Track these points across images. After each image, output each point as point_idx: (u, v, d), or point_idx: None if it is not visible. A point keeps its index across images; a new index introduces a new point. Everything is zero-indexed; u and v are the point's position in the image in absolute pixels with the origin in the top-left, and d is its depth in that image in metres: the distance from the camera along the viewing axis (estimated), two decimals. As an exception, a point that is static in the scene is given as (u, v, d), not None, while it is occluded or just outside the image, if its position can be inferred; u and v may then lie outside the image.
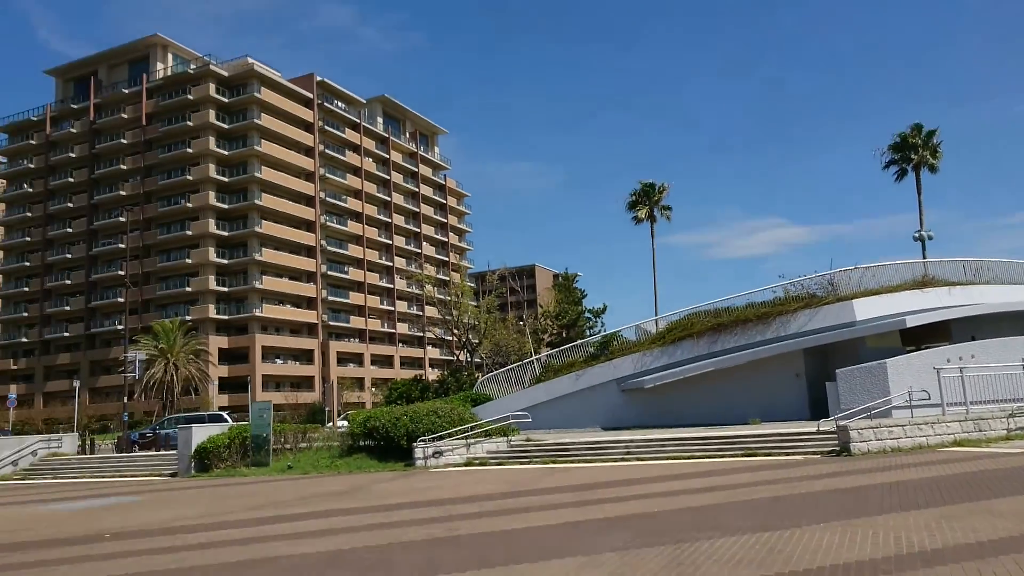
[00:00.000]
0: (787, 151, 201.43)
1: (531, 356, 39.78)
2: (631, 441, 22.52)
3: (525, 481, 17.89)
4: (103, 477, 28.63)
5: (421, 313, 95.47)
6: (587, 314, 70.27)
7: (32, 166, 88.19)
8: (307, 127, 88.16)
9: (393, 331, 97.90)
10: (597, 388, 30.10)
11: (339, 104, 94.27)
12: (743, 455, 19.87)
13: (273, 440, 26.56)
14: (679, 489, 14.69)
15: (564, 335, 65.24)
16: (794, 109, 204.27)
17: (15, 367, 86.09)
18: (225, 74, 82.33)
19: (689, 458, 20.30)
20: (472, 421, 25.08)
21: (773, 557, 8.02)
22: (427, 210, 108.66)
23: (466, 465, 22.86)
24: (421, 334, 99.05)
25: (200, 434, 27.09)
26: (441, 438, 23.71)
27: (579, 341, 38.30)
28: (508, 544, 9.97)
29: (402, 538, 10.77)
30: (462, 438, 23.89)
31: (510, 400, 30.36)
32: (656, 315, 44.44)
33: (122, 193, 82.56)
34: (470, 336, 57.31)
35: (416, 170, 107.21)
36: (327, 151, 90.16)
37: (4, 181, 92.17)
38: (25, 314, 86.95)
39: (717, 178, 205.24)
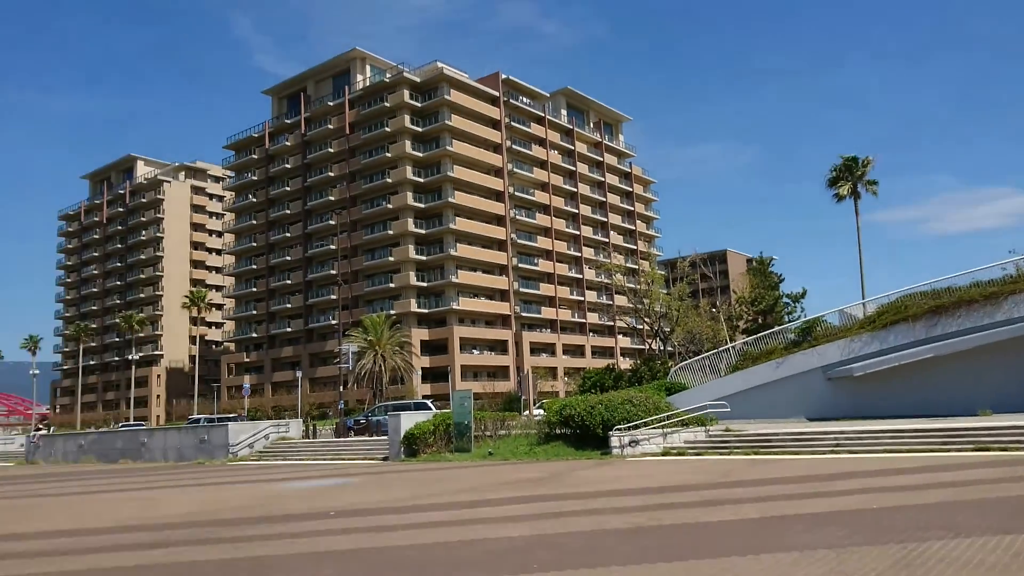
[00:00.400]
0: (1015, 112, 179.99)
1: (726, 344, 38.52)
2: (840, 432, 21.21)
3: (726, 472, 17.37)
4: (324, 459, 31.17)
5: (611, 302, 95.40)
6: (785, 299, 66.99)
7: (255, 178, 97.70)
8: (494, 124, 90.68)
9: (583, 321, 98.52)
10: (799, 376, 28.65)
11: (524, 100, 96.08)
12: (973, 449, 18.08)
13: (473, 427, 27.65)
14: (900, 485, 13.63)
15: (760, 321, 62.63)
16: (1017, 64, 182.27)
17: (247, 360, 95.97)
18: (417, 80, 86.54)
19: (908, 452, 18.78)
20: (667, 410, 24.73)
21: (1020, 563, 7.23)
22: (613, 199, 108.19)
23: (663, 455, 22.58)
24: (611, 323, 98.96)
25: (407, 421, 28.76)
26: (636, 427, 23.57)
27: (777, 327, 36.59)
28: (714, 536, 9.73)
29: (605, 526, 10.82)
30: (658, 427, 23.61)
31: (705, 389, 29.62)
32: (863, 298, 41.43)
33: (331, 198, 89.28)
34: (662, 324, 56.45)
35: (601, 159, 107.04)
36: (514, 146, 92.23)
37: (232, 193, 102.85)
38: (254, 312, 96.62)
39: (930, 147, 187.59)
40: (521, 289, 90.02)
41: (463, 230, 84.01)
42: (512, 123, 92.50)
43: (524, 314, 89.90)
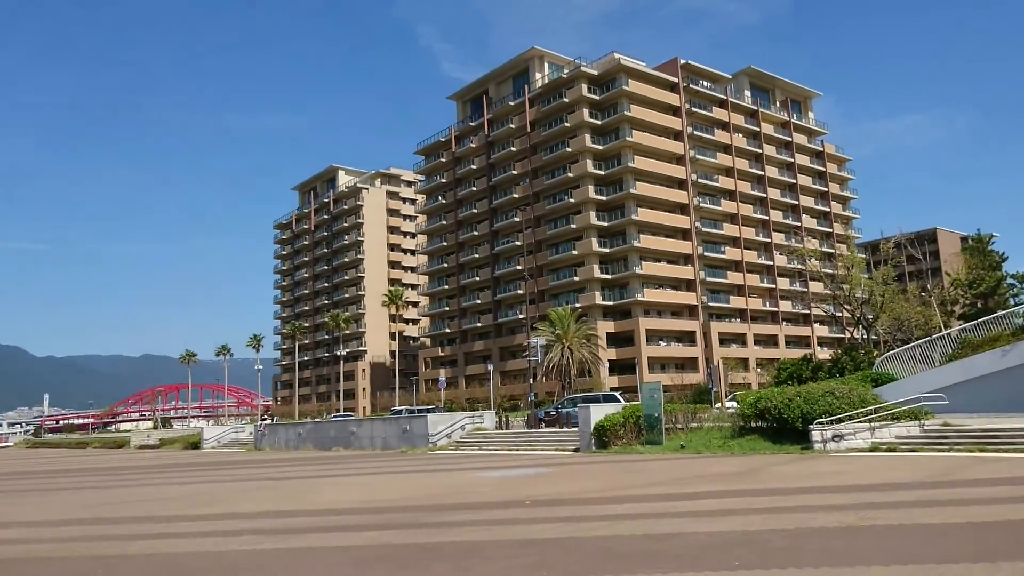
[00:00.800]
0: None
1: (940, 330, 35.34)
2: (1086, 428, 18.78)
3: (947, 471, 15.95)
4: (516, 450, 32.05)
5: (805, 289, 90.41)
6: (1009, 280, 60.53)
7: (443, 180, 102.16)
8: (674, 111, 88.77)
9: (775, 309, 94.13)
10: (1032, 366, 25.69)
11: (704, 84, 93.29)
12: None
13: (664, 420, 27.30)
14: None
15: (980, 305, 57.03)
16: None
17: (442, 354, 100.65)
18: (595, 73, 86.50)
19: None
20: (874, 403, 23.10)
21: None
22: (804, 180, 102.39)
23: (871, 450, 21.12)
24: (807, 311, 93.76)
25: (597, 413, 28.90)
26: (840, 420, 22.22)
27: (1002, 311, 33.06)
28: (938, 539, 8.97)
29: (810, 524, 10.31)
30: (865, 421, 22.13)
31: (917, 380, 27.36)
32: (1110, 276, 36.41)
33: (515, 196, 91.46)
34: (864, 311, 52.76)
35: (790, 139, 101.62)
36: (695, 132, 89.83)
37: (423, 196, 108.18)
38: (446, 308, 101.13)
39: None
40: (707, 279, 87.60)
41: (645, 221, 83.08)
42: (693, 109, 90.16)
43: (711, 304, 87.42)
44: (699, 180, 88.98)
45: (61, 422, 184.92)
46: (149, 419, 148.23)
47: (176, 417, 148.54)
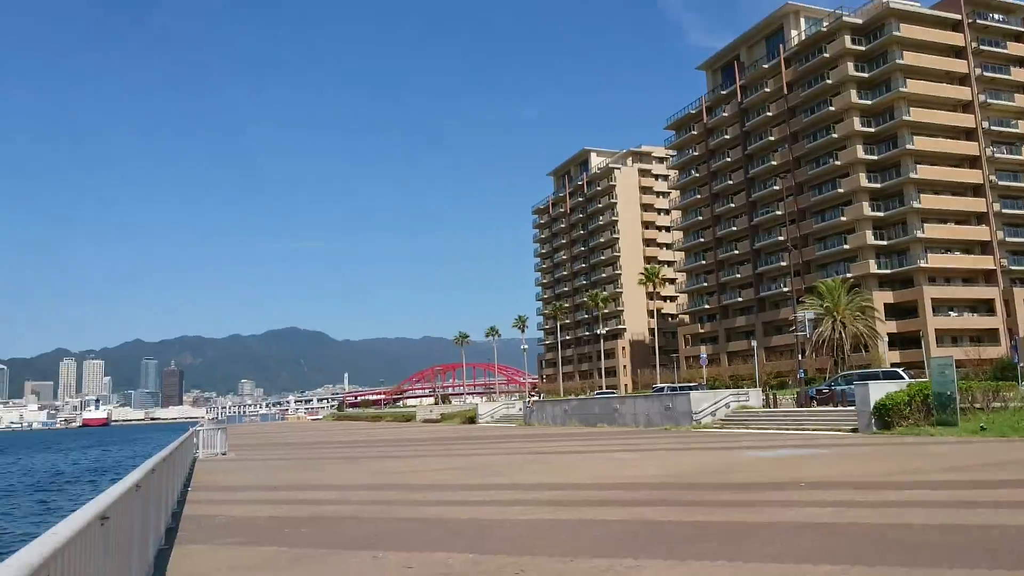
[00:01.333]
0: None
1: None
2: None
3: None
4: (785, 429, 30.70)
5: None
6: None
7: (695, 154, 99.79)
8: (957, 53, 78.77)
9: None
10: None
11: (995, 17, 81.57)
12: None
13: (958, 399, 24.65)
14: None
15: None
16: None
17: (702, 331, 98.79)
18: (859, 22, 79.31)
19: None
20: None
21: None
22: None
23: None
24: None
25: (877, 391, 26.80)
26: None
27: None
28: None
29: None
30: None
31: None
32: None
33: (773, 163, 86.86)
34: None
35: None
36: (985, 74, 79.01)
37: (676, 171, 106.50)
38: (704, 284, 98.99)
39: None
40: (1008, 239, 77.10)
41: (926, 179, 74.98)
42: (981, 47, 79.41)
43: (1014, 268, 76.87)
44: (992, 128, 78.32)
45: (359, 398, 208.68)
46: (431, 395, 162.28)
47: (453, 394, 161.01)
